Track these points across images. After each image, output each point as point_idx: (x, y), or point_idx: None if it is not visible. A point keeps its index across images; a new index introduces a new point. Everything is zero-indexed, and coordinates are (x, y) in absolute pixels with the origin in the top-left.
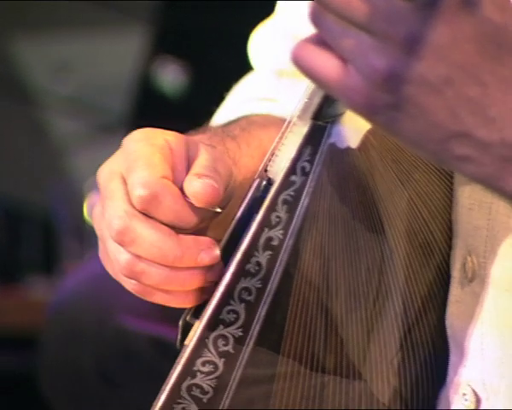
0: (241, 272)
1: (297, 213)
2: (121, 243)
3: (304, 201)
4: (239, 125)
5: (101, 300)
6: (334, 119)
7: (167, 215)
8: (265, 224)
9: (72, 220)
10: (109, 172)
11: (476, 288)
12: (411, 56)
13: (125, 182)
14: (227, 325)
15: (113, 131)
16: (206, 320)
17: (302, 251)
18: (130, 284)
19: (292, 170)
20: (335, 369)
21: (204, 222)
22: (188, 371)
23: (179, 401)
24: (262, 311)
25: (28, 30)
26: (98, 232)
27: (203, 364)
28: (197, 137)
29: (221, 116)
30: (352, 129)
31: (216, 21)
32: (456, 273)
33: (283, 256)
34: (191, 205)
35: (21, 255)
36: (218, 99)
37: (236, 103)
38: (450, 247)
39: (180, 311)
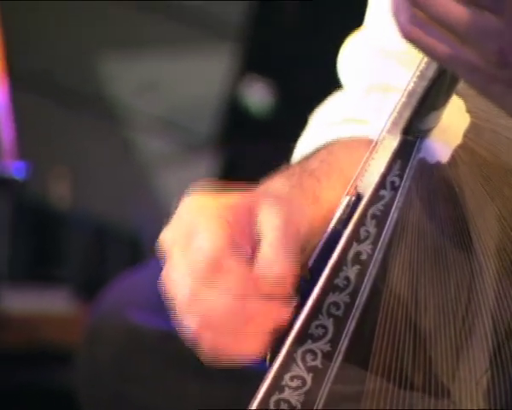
0: (329, 287)
1: (386, 227)
2: (189, 312)
3: (393, 215)
4: (318, 157)
5: (117, 300)
6: (424, 133)
7: (232, 282)
8: (354, 238)
9: (158, 239)
10: (170, 239)
11: None
12: None
13: (185, 249)
14: (315, 339)
15: (200, 151)
16: (294, 334)
17: (391, 266)
18: (202, 348)
19: (381, 184)
20: (424, 386)
21: None
22: (276, 385)
23: None
24: (350, 326)
25: (116, 48)
26: (173, 305)
27: (291, 379)
28: (269, 188)
29: (306, 141)
30: (442, 144)
31: (303, 40)
32: None
33: (372, 271)
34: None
35: (108, 273)
36: (305, 118)
37: (321, 127)
38: None
39: None
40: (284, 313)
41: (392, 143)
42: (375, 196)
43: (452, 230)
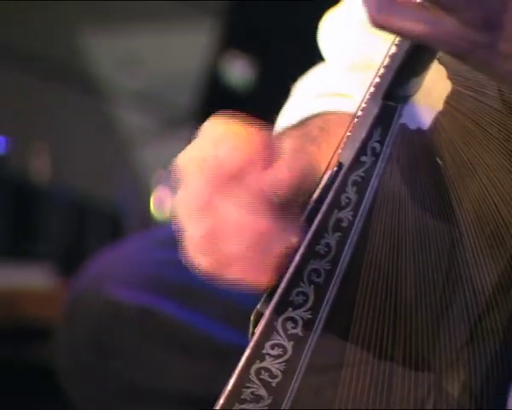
0: (310, 254)
1: (367, 194)
2: (199, 219)
3: (374, 182)
4: (316, 125)
5: (96, 275)
6: (406, 99)
7: (247, 196)
8: (335, 205)
9: (138, 214)
10: (188, 158)
11: None
12: None
13: (204, 164)
14: (296, 307)
15: (180, 126)
16: (275, 302)
17: (371, 233)
18: (206, 260)
19: (362, 150)
20: (404, 357)
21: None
22: (257, 354)
23: (248, 384)
24: (331, 294)
25: (97, 23)
26: (180, 218)
27: (272, 347)
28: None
29: (290, 112)
30: (423, 109)
31: (284, 15)
32: None
33: (353, 238)
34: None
35: (88, 248)
36: (286, 94)
37: (307, 98)
38: None
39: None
40: (293, 233)
41: (374, 109)
42: (356, 163)
43: (433, 197)
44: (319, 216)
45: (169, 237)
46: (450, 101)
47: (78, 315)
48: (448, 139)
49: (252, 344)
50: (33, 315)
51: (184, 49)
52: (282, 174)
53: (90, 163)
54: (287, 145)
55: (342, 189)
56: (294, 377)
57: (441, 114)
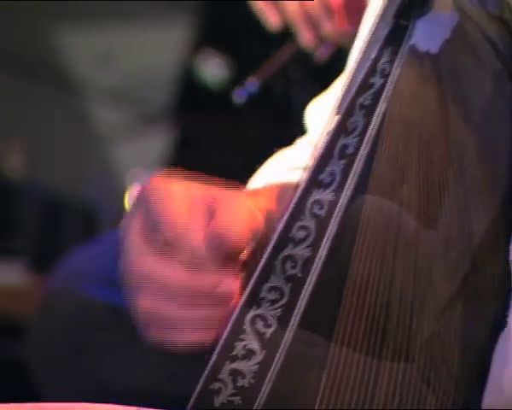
0: (314, 183)
1: (374, 119)
2: (140, 288)
3: (381, 106)
4: (270, 184)
5: (71, 273)
6: (417, 18)
7: (187, 258)
8: (342, 130)
9: (113, 211)
10: (127, 225)
11: None
12: None
13: (143, 231)
14: (296, 243)
15: (154, 123)
16: (276, 237)
17: (377, 162)
18: (153, 329)
19: (372, 71)
20: (400, 297)
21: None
22: (254, 298)
23: (242, 336)
24: (333, 227)
25: (72, 19)
26: (126, 289)
27: (269, 290)
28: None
29: (256, 182)
30: (433, 32)
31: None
32: None
33: (357, 167)
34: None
35: (63, 246)
36: (258, 93)
37: (274, 172)
38: None
39: None
40: (233, 283)
41: (385, 27)
42: (365, 84)
43: (438, 127)
44: (325, 142)
45: None
46: (456, 30)
47: (51, 313)
48: (452, 69)
49: (249, 289)
50: (7, 312)
51: (159, 46)
52: (221, 226)
53: (65, 160)
54: (229, 197)
55: (350, 112)
56: (289, 327)
57: (448, 41)
